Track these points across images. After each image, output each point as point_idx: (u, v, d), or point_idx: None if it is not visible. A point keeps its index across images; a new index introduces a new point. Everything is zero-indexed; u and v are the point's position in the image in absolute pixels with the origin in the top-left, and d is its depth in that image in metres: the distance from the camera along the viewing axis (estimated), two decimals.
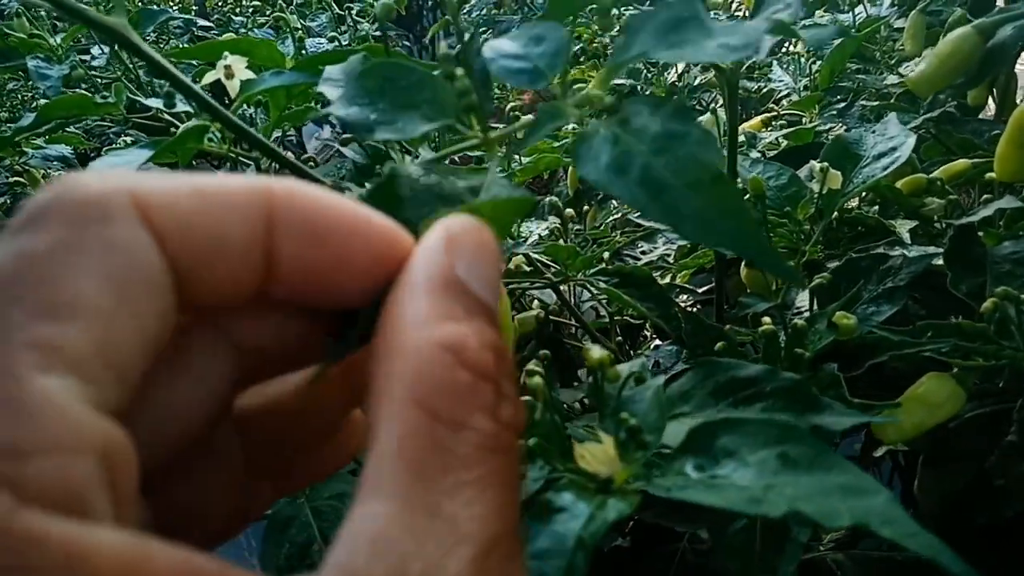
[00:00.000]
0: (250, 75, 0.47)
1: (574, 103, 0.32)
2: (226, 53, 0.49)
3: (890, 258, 0.57)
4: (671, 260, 0.76)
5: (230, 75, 0.47)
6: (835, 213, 0.59)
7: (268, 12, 2.20)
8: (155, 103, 0.55)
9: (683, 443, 0.34)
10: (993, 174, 0.58)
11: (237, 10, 2.46)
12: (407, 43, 3.11)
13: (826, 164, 0.56)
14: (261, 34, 1.94)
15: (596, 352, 0.43)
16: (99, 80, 0.85)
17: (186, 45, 1.89)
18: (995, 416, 0.53)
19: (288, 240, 0.19)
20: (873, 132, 0.61)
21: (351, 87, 0.33)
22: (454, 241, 0.19)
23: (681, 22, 0.31)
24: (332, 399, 0.23)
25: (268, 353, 0.22)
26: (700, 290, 0.84)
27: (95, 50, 0.95)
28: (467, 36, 0.37)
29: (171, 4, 2.45)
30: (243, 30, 2.02)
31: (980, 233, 0.59)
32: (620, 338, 0.77)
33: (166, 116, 0.62)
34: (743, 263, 0.70)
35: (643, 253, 0.76)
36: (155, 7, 2.33)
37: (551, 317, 0.73)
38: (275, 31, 1.73)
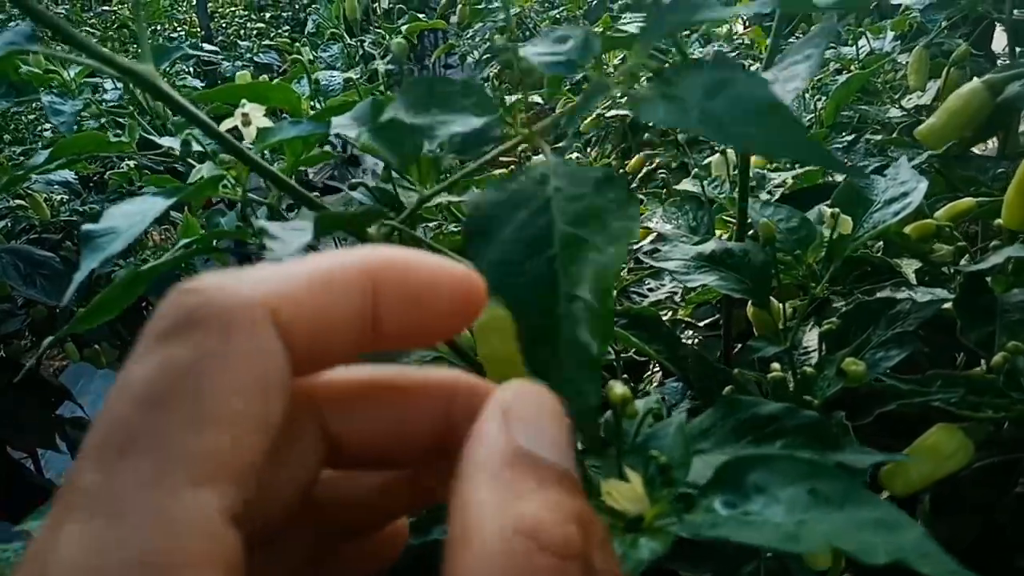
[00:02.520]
0: (267, 123, 0.47)
1: (619, 75, 0.36)
2: (244, 100, 0.49)
3: (899, 302, 0.57)
4: (677, 299, 0.76)
5: (247, 122, 0.47)
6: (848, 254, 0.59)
7: (272, 35, 2.22)
8: (169, 142, 0.56)
9: (712, 479, 0.34)
10: (1000, 220, 0.58)
11: (242, 32, 2.48)
12: (408, 65, 3.12)
13: (837, 210, 0.56)
14: (265, 58, 1.96)
15: (619, 388, 0.44)
16: (112, 116, 0.85)
17: (191, 69, 1.91)
18: (1003, 466, 0.53)
19: (389, 306, 0.21)
20: (884, 176, 0.61)
21: (403, 101, 0.37)
22: (510, 413, 0.19)
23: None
24: (398, 502, 0.25)
25: (359, 447, 0.23)
26: (702, 323, 0.84)
27: (108, 83, 0.95)
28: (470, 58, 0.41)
29: (177, 26, 2.47)
30: (248, 55, 2.04)
31: (988, 279, 0.60)
32: (625, 375, 0.77)
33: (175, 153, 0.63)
34: (749, 303, 0.70)
35: (650, 291, 0.76)
36: (160, 31, 2.35)
37: None
38: (279, 53, 1.74)
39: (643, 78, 0.38)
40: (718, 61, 0.34)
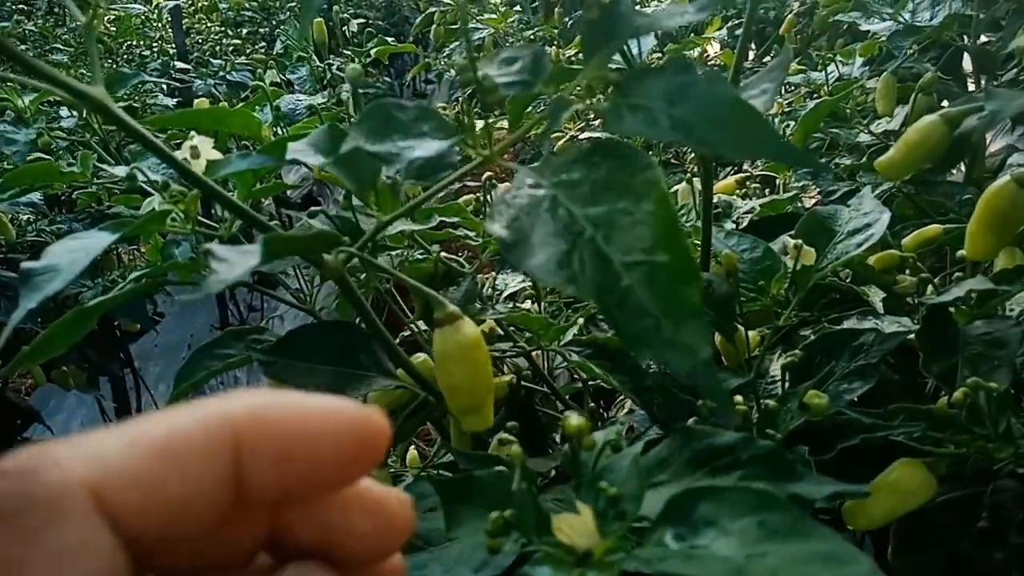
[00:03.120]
0: (216, 155, 0.46)
1: (574, 92, 0.37)
2: (192, 133, 0.48)
3: (862, 333, 0.57)
4: None
5: (196, 155, 0.46)
6: (811, 284, 0.59)
7: (248, 52, 2.21)
8: (123, 172, 0.55)
9: (662, 513, 0.34)
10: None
11: (217, 48, 2.47)
12: (387, 79, 3.11)
13: (800, 241, 0.55)
14: (238, 76, 1.95)
15: (574, 420, 0.43)
16: (68, 143, 0.84)
17: (164, 84, 1.89)
18: (968, 500, 0.53)
19: (258, 466, 0.18)
20: (848, 207, 0.61)
21: (361, 129, 0.38)
22: None
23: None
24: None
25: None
26: None
27: (64, 110, 0.94)
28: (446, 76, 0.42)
29: (152, 42, 2.45)
30: (221, 73, 2.03)
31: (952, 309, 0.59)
32: (593, 404, 0.77)
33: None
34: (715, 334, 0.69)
35: None
36: (133, 48, 2.33)
37: (523, 383, 0.72)
38: (252, 73, 1.73)
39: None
40: (676, 66, 0.34)
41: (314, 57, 0.99)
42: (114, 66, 2.39)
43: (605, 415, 0.82)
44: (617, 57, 0.62)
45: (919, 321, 0.57)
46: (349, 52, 1.01)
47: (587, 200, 0.32)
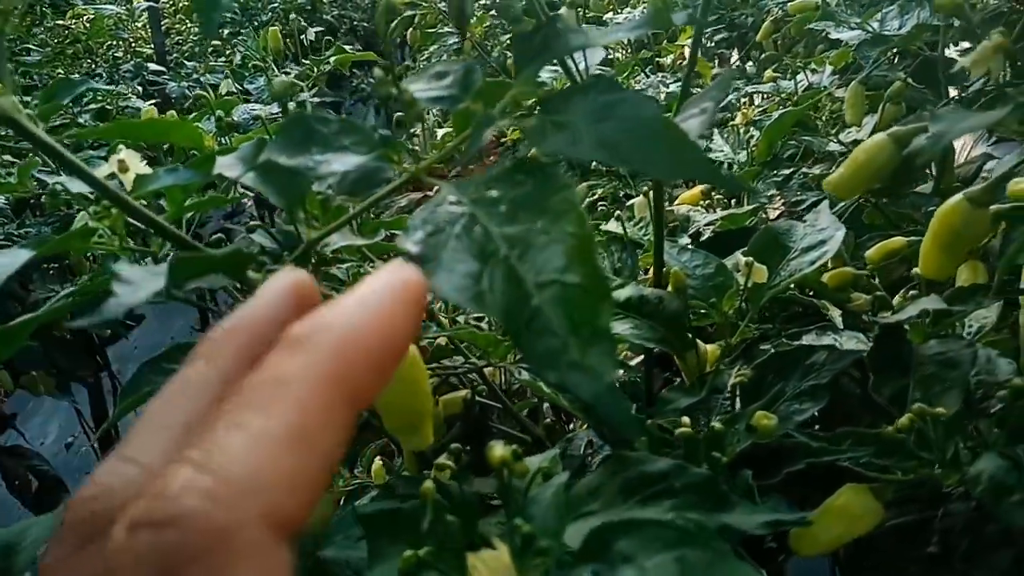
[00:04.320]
0: (145, 170, 0.45)
1: (500, 109, 0.36)
2: (120, 147, 0.47)
3: (815, 352, 0.56)
4: None
5: (124, 169, 0.45)
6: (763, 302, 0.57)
7: (228, 53, 2.19)
8: (72, 183, 0.53)
9: (581, 549, 0.34)
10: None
11: (197, 49, 2.44)
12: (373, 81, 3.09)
13: (751, 259, 0.54)
14: (214, 79, 1.93)
15: (499, 450, 0.42)
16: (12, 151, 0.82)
17: (138, 89, 1.87)
18: (917, 525, 0.52)
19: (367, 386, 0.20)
20: (804, 222, 0.60)
21: (279, 143, 0.37)
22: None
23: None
24: None
25: None
26: (633, 362, 0.82)
27: None
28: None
29: (132, 42, 2.42)
30: (195, 75, 2.01)
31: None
32: (550, 419, 0.76)
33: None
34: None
35: None
36: (111, 49, 2.31)
37: (478, 398, 0.71)
38: (232, 73, 1.71)
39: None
40: (602, 84, 0.33)
41: (274, 67, 0.98)
42: (92, 67, 2.37)
43: (566, 428, 0.80)
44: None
45: (871, 342, 0.56)
46: (308, 61, 1.00)
47: (504, 219, 0.31)
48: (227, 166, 0.42)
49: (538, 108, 0.35)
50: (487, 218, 0.31)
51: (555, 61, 0.53)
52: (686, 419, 0.53)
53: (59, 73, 2.09)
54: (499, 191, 0.31)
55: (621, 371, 0.83)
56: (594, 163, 1.29)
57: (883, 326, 0.56)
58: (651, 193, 0.58)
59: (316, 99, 0.96)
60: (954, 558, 0.49)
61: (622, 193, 1.21)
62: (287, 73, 0.99)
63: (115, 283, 0.33)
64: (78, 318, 0.39)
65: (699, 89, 1.47)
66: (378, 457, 0.92)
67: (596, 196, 1.09)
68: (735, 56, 2.11)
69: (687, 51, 1.78)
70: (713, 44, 2.21)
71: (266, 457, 0.17)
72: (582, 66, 0.54)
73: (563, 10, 0.59)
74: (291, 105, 0.71)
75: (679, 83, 1.27)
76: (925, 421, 0.47)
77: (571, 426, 0.81)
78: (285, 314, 0.22)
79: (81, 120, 1.47)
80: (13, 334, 0.44)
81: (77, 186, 0.51)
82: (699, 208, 0.85)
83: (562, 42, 0.34)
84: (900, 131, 0.46)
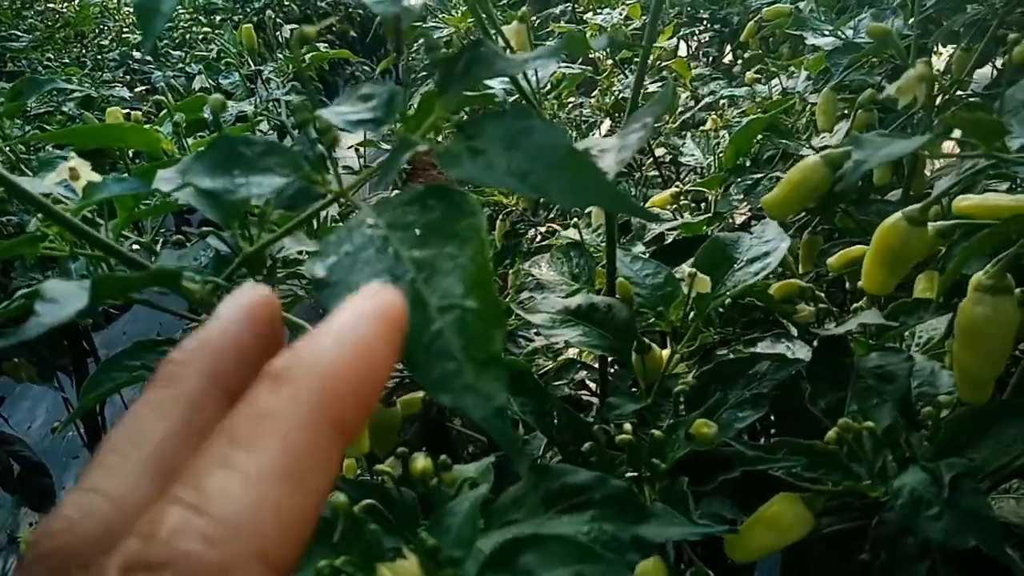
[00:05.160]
0: (95, 177, 0.46)
1: (421, 132, 0.37)
2: (71, 153, 0.48)
3: (757, 362, 0.57)
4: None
5: (75, 177, 0.46)
6: (709, 311, 0.59)
7: (211, 46, 2.19)
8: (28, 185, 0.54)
9: (487, 561, 0.35)
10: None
11: (187, 36, 2.45)
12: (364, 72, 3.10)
13: (694, 270, 0.56)
14: (198, 69, 1.93)
15: (420, 462, 0.43)
16: None
17: (122, 79, 1.87)
18: (852, 533, 0.53)
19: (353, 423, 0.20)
20: (751, 234, 0.61)
21: (200, 164, 0.38)
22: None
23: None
24: None
25: None
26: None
27: None
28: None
29: (113, 32, 2.42)
30: (180, 64, 2.01)
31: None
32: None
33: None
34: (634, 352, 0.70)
35: (537, 335, 0.76)
36: (98, 35, 2.31)
37: None
38: (206, 69, 1.71)
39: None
40: (516, 111, 0.34)
41: (249, 63, 0.99)
42: (82, 53, 2.37)
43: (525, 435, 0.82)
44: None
45: (811, 354, 0.57)
46: (282, 57, 1.01)
47: (417, 242, 0.32)
48: (166, 180, 0.43)
49: (456, 133, 0.36)
50: (399, 242, 0.32)
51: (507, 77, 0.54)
52: (628, 426, 0.54)
53: (48, 59, 2.09)
54: (414, 215, 0.33)
55: (586, 372, 0.85)
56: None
57: (822, 339, 0.58)
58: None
59: (290, 97, 0.97)
60: (875, 570, 0.51)
61: None
62: (260, 70, 1.00)
63: (38, 302, 0.34)
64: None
65: (686, 90, 1.48)
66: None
67: None
68: (727, 53, 2.12)
69: (682, 47, 1.79)
70: (706, 40, 2.22)
71: (258, 497, 0.17)
72: (533, 80, 0.55)
73: (513, 24, 0.61)
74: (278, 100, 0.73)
75: (659, 83, 1.28)
76: (852, 434, 0.48)
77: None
78: (246, 332, 0.22)
79: (65, 108, 1.47)
80: None
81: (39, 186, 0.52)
82: (667, 211, 0.87)
83: (484, 67, 0.35)
84: (833, 154, 0.47)
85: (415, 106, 0.40)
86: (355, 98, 0.39)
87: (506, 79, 0.56)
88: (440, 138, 0.39)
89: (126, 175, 0.46)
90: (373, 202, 0.35)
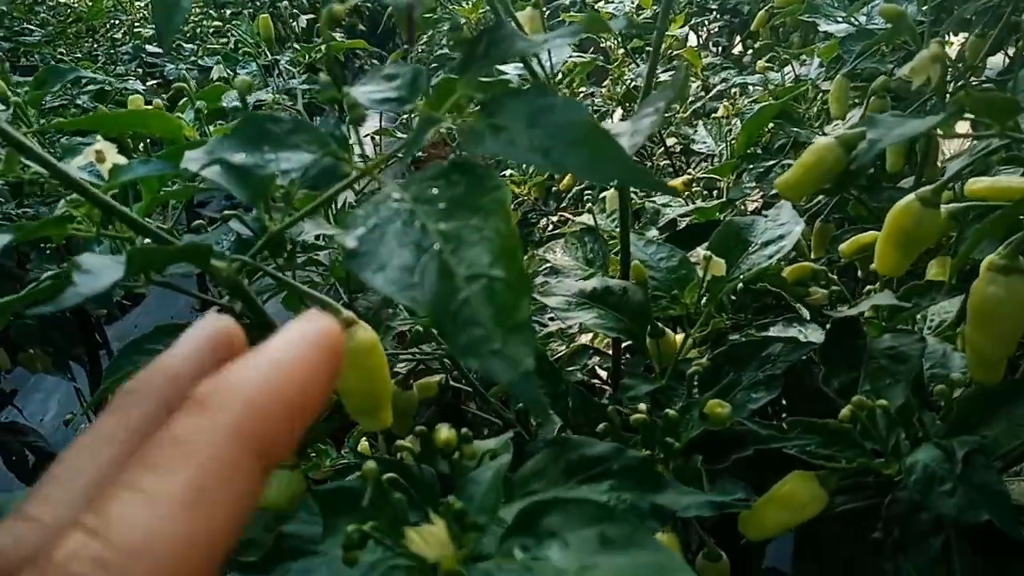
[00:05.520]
0: (121, 160, 0.47)
1: (443, 111, 0.38)
2: (97, 137, 0.49)
3: (771, 344, 0.58)
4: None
5: (101, 159, 0.47)
6: (722, 295, 0.60)
7: (228, 37, 2.20)
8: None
9: (512, 524, 0.36)
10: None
11: (198, 30, 2.46)
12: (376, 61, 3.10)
13: (709, 252, 0.56)
14: (211, 62, 1.95)
15: (444, 432, 0.44)
16: None
17: (136, 72, 1.88)
18: (865, 511, 0.54)
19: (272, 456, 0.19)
20: (766, 217, 0.62)
21: (232, 141, 0.39)
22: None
23: None
24: None
25: None
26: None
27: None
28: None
29: (126, 25, 2.44)
30: (193, 57, 2.03)
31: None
32: (523, 404, 0.78)
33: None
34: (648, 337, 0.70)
35: (551, 320, 0.76)
36: (111, 29, 2.33)
37: (452, 383, 0.73)
38: (224, 59, 1.72)
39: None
40: (537, 89, 0.35)
41: (267, 52, 1.00)
42: (94, 47, 2.39)
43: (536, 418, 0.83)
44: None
45: (824, 336, 0.58)
46: (299, 47, 1.02)
47: (441, 215, 0.33)
48: (194, 160, 0.44)
49: (479, 111, 0.37)
50: (425, 215, 0.33)
51: (522, 62, 0.55)
52: (643, 406, 0.55)
53: (61, 53, 2.11)
54: (438, 189, 0.34)
55: (598, 357, 0.86)
56: None
57: (836, 320, 0.58)
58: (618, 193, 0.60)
59: (306, 86, 0.98)
60: (895, 543, 0.51)
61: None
62: (277, 60, 1.01)
63: (75, 272, 0.35)
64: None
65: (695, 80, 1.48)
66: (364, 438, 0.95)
67: (584, 184, 1.11)
68: (737, 43, 2.12)
69: (691, 38, 1.79)
70: (715, 31, 2.22)
71: (158, 520, 0.17)
72: (548, 65, 0.56)
73: (528, 10, 0.62)
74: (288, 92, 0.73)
75: (670, 72, 1.28)
76: (867, 412, 0.49)
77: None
78: (207, 362, 0.22)
79: (79, 101, 1.49)
80: None
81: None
82: (679, 199, 0.87)
83: (504, 47, 0.36)
84: (847, 135, 0.48)
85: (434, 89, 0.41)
86: (379, 78, 0.40)
87: (520, 66, 0.57)
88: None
89: (151, 158, 0.47)
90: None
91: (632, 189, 0.81)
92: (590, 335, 0.87)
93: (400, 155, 0.39)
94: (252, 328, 0.42)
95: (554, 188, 1.23)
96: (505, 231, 0.31)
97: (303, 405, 0.20)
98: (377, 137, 1.20)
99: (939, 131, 0.46)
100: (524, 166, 1.34)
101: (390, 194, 0.35)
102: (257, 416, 0.19)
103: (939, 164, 1.08)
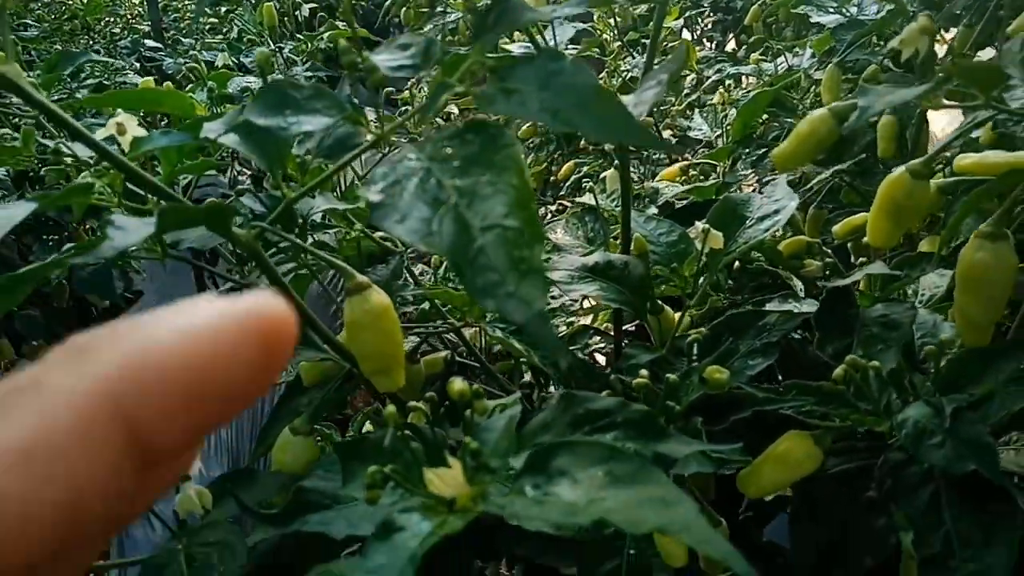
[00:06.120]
0: (141, 132, 0.49)
1: (457, 77, 0.40)
2: (118, 111, 0.51)
3: (767, 314, 0.60)
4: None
5: (122, 132, 0.49)
6: (723, 269, 0.62)
7: (225, 30, 2.23)
8: (80, 150, 0.57)
9: (524, 465, 0.38)
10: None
11: (194, 26, 2.48)
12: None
13: (707, 226, 0.58)
14: (210, 55, 1.97)
15: (457, 385, 0.47)
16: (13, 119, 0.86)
17: (135, 65, 1.91)
18: (859, 472, 0.56)
19: (159, 430, 0.16)
20: (761, 194, 0.64)
21: (256, 105, 0.41)
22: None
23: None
24: None
25: None
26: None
27: None
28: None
29: (129, 18, 2.46)
30: (192, 51, 2.05)
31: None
32: (532, 379, 0.80)
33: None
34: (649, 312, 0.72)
35: (553, 297, 0.79)
36: (107, 24, 2.35)
37: (459, 359, 0.75)
38: (228, 48, 1.74)
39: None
40: (548, 54, 0.38)
41: (269, 41, 1.02)
42: (89, 42, 2.41)
43: (543, 388, 0.85)
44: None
45: (818, 304, 0.60)
46: (302, 36, 1.04)
47: (456, 172, 0.36)
48: (213, 130, 0.46)
49: (490, 76, 0.39)
50: (441, 172, 0.35)
51: (527, 40, 0.57)
52: (644, 372, 0.57)
53: (56, 48, 2.12)
54: (452, 148, 0.36)
55: (598, 337, 0.88)
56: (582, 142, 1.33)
57: (830, 290, 0.61)
58: (619, 169, 0.62)
59: (309, 73, 1.01)
60: (888, 501, 0.53)
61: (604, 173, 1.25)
62: (281, 48, 1.03)
63: (109, 228, 0.37)
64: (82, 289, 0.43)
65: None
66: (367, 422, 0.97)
67: (582, 173, 1.13)
68: (731, 39, 2.15)
69: (684, 32, 1.82)
70: (709, 26, 2.25)
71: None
72: (552, 43, 0.58)
73: None
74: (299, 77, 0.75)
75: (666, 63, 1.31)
76: (859, 372, 0.51)
77: (550, 388, 0.86)
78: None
79: (79, 95, 1.51)
80: (16, 282, 0.48)
81: (79, 149, 0.55)
82: (676, 183, 0.90)
83: (512, 17, 0.39)
84: (839, 106, 0.50)
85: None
86: (394, 47, 0.42)
87: (526, 43, 0.59)
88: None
89: (171, 130, 0.49)
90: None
91: (632, 170, 0.83)
92: (590, 317, 0.90)
93: (413, 120, 0.41)
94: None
95: (552, 178, 1.26)
96: (518, 184, 0.34)
97: (201, 395, 0.16)
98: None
99: (929, 108, 0.48)
100: None
101: (407, 154, 0.37)
102: (131, 382, 0.15)
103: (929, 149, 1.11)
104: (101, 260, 0.36)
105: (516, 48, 0.61)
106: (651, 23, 1.60)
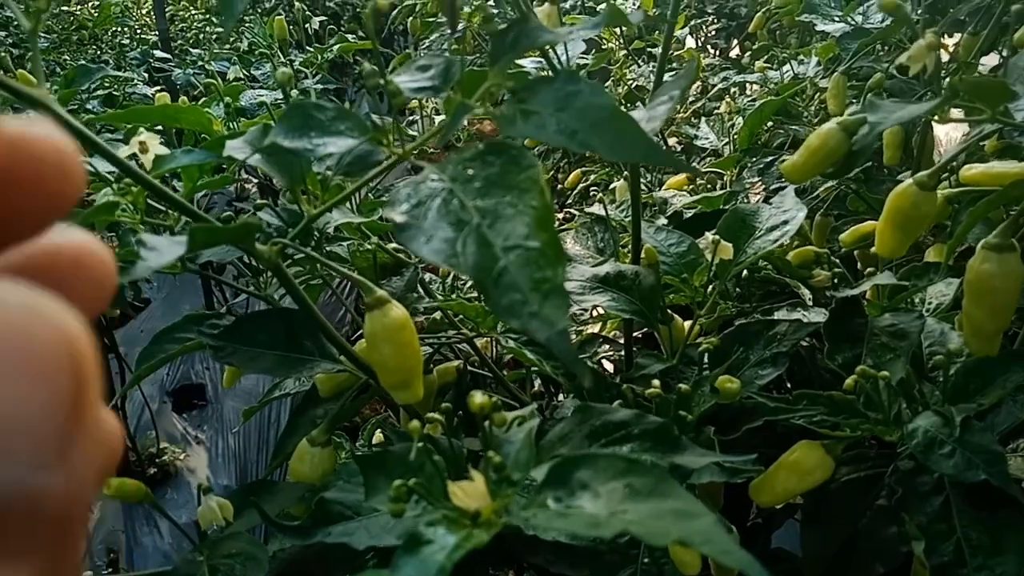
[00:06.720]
0: (164, 151, 0.50)
1: (476, 98, 0.41)
2: (141, 129, 0.52)
3: (777, 324, 0.61)
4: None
5: (144, 150, 0.50)
6: (731, 278, 0.63)
7: (232, 40, 2.24)
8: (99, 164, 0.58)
9: (545, 478, 0.39)
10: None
11: (201, 36, 2.50)
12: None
13: (718, 237, 0.59)
14: (218, 65, 1.98)
15: (478, 398, 0.47)
16: None
17: (144, 76, 1.92)
18: (869, 480, 0.57)
19: None
20: (770, 204, 0.65)
21: (281, 127, 0.42)
22: None
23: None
24: None
25: None
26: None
27: None
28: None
29: (138, 30, 2.48)
30: (200, 62, 2.06)
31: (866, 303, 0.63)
32: (543, 388, 0.81)
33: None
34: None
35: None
36: (115, 35, 2.36)
37: (471, 368, 0.76)
38: (239, 60, 1.75)
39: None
40: (564, 76, 0.38)
41: (280, 54, 1.03)
42: (98, 53, 2.42)
43: (553, 397, 0.86)
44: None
45: (827, 314, 0.61)
46: (312, 49, 1.05)
47: (478, 193, 0.37)
48: (236, 148, 0.47)
49: (509, 97, 0.40)
50: (463, 193, 0.36)
51: (538, 54, 0.58)
52: (657, 382, 0.58)
53: (65, 60, 2.14)
54: (474, 170, 0.37)
55: (607, 346, 0.89)
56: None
57: (839, 300, 0.61)
58: (629, 179, 0.63)
59: (319, 86, 1.02)
60: (898, 509, 0.54)
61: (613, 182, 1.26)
62: (291, 60, 1.04)
63: (142, 249, 0.38)
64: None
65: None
66: (378, 430, 0.98)
67: (589, 181, 1.14)
68: (735, 46, 2.16)
69: (688, 39, 1.83)
70: (713, 33, 2.26)
71: None
72: (564, 59, 0.59)
73: (545, 6, 0.65)
74: (294, 92, 0.75)
75: (672, 73, 1.32)
76: (870, 382, 0.52)
77: (559, 397, 0.87)
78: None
79: (89, 106, 1.52)
80: None
81: (102, 165, 0.57)
82: (684, 192, 0.91)
83: (531, 39, 0.40)
84: (849, 120, 0.51)
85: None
86: (414, 68, 0.43)
87: (539, 59, 0.60)
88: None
89: (192, 148, 0.50)
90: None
91: (640, 179, 0.84)
92: (599, 325, 0.91)
93: (436, 139, 0.42)
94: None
95: (558, 186, 1.27)
96: (539, 205, 0.35)
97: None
98: None
99: (934, 122, 0.49)
100: None
101: (429, 175, 0.38)
102: None
103: (935, 159, 1.12)
104: (134, 280, 0.37)
105: (528, 63, 0.62)
106: (656, 32, 1.61)
